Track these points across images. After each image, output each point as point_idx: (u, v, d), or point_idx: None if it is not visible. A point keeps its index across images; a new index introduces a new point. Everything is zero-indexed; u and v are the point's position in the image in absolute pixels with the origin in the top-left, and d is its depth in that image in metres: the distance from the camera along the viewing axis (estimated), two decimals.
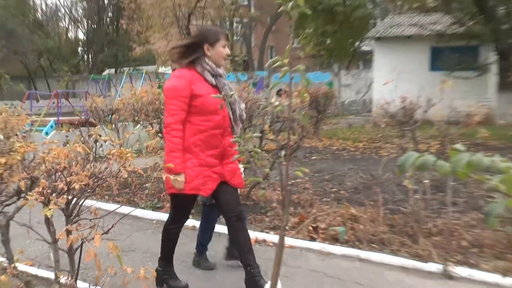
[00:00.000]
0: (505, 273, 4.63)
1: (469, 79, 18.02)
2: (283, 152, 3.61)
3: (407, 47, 21.06)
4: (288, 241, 5.44)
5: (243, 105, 4.22)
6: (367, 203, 6.50)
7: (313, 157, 11.84)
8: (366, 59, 33.30)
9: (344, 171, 9.71)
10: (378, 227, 5.71)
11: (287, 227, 3.15)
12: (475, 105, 17.48)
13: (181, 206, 4.25)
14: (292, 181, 7.97)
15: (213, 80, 4.00)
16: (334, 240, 5.62)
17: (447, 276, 4.71)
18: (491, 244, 5.25)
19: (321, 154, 12.39)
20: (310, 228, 5.89)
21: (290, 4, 2.48)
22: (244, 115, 4.23)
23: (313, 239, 5.69)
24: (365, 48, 31.91)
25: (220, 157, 4.06)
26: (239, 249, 4.18)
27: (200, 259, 4.89)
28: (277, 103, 2.82)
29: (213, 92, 3.91)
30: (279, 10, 2.63)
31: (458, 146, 1.81)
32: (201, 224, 4.85)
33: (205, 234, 4.85)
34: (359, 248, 5.39)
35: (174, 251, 4.35)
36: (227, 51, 4.07)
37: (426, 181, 5.88)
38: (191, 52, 4.03)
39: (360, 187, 8.03)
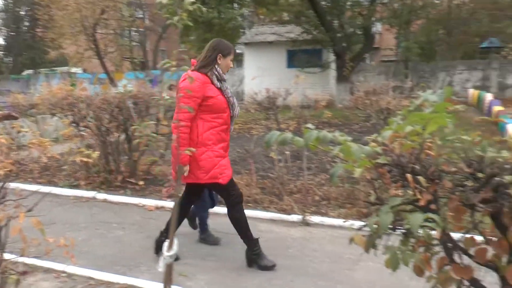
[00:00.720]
0: (345, 217, 4.87)
1: (315, 74, 18.82)
2: (174, 136, 3.52)
3: (269, 50, 21.45)
4: None
5: (238, 108, 3.95)
6: (243, 172, 6.55)
7: None
8: (238, 60, 33.58)
9: None
10: (252, 190, 5.77)
11: (179, 195, 3.07)
12: (320, 93, 18.29)
13: (197, 193, 3.99)
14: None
15: (218, 84, 3.75)
16: (219, 202, 5.60)
17: (305, 223, 4.87)
18: (335, 197, 5.50)
19: None
20: None
21: (176, 18, 2.47)
22: (238, 114, 3.97)
23: None
24: (237, 51, 32.17)
25: (225, 150, 3.86)
26: (241, 226, 3.89)
27: (206, 236, 4.49)
28: (167, 96, 2.78)
29: (220, 94, 3.71)
30: (167, 22, 2.54)
31: (309, 125, 1.83)
32: (197, 207, 4.39)
33: (203, 213, 4.47)
34: None
35: (248, 229, 3.91)
36: (231, 64, 3.85)
37: (287, 152, 6.03)
38: (208, 59, 3.73)
39: (237, 159, 8.07)
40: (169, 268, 2.63)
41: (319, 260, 3.99)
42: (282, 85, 13.90)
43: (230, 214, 3.88)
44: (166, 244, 2.64)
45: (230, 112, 3.81)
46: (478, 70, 21.92)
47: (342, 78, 18.25)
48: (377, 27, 27.98)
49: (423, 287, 1.96)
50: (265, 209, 5.34)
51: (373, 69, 22.84)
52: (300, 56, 19.63)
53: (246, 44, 22.44)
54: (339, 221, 4.80)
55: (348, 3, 18.20)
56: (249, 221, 3.93)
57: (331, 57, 19.27)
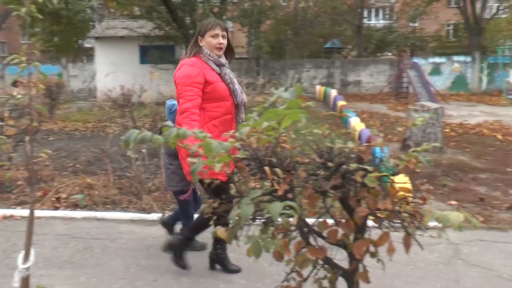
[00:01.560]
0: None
1: (169, 70, 18.64)
2: (27, 138, 3.20)
3: (121, 45, 20.65)
4: (35, 213, 4.91)
5: (244, 95, 3.47)
6: (99, 173, 6.25)
7: (51, 138, 10.89)
8: (89, 54, 31.80)
9: (78, 148, 9.17)
10: (110, 190, 5.54)
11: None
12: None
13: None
14: (34, 160, 7.21)
15: (217, 69, 3.32)
16: (75, 206, 5.28)
17: None
18: None
19: (57, 135, 11.47)
20: (53, 199, 5.42)
21: (23, 9, 2.26)
22: (246, 102, 3.48)
23: (56, 208, 5.25)
24: (87, 45, 30.48)
25: None
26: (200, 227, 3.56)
27: (192, 242, 3.87)
28: (18, 94, 2.53)
29: (220, 81, 3.30)
30: (13, 13, 2.31)
31: (169, 122, 1.81)
32: (182, 212, 3.91)
33: (188, 219, 3.85)
34: (96, 210, 5.16)
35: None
36: (218, 40, 3.33)
37: (144, 150, 5.90)
38: (193, 44, 3.38)
39: (92, 160, 7.67)
40: (25, 281, 2.40)
41: None
42: (137, 81, 13.52)
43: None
44: (20, 255, 2.40)
45: (233, 100, 3.39)
46: (323, 68, 23.79)
47: None
48: (229, 26, 28.72)
49: (282, 270, 2.07)
50: (124, 209, 5.16)
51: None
52: (153, 52, 19.29)
53: (96, 38, 21.33)
54: None
55: (200, 0, 18.35)
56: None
57: (184, 53, 19.29)
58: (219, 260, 3.67)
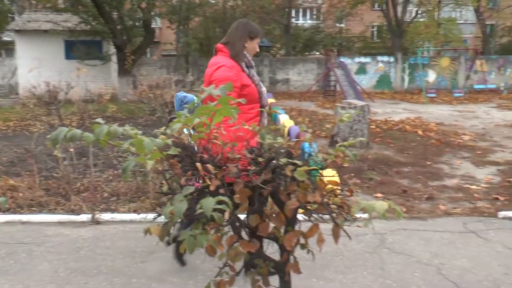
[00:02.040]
0: (137, 210, 4.85)
1: (97, 66, 18.06)
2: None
3: (45, 39, 19.63)
4: None
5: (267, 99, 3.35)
6: (23, 174, 5.94)
7: None
8: (8, 48, 29.99)
9: None
10: (36, 192, 5.28)
11: None
12: (104, 86, 17.64)
13: None
14: None
15: (247, 70, 3.23)
16: None
17: (96, 222, 4.68)
18: (125, 192, 5.42)
19: None
20: None
21: None
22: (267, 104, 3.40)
23: None
24: (6, 38, 28.71)
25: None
26: None
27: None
28: None
29: (251, 83, 3.24)
30: None
31: (99, 120, 1.77)
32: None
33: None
34: (21, 213, 4.91)
35: None
36: (257, 47, 3.35)
37: (71, 149, 5.69)
38: (240, 43, 3.26)
39: (15, 160, 7.26)
40: None
41: (112, 257, 3.89)
42: (62, 77, 12.94)
43: None
44: None
45: (260, 102, 3.33)
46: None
47: (124, 71, 17.91)
48: (157, 22, 28.22)
49: (214, 266, 2.10)
50: (52, 211, 4.95)
51: (154, 63, 22.96)
52: (79, 47, 18.54)
53: (17, 31, 20.13)
54: (129, 216, 4.75)
55: None
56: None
57: (112, 49, 18.72)
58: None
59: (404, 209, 5.05)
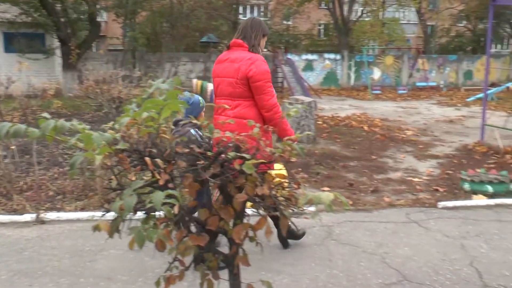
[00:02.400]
0: (83, 208, 4.74)
1: (40, 60, 17.35)
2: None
3: None
4: None
5: None
6: None
7: None
8: None
9: None
10: None
11: None
12: (48, 81, 16.98)
13: None
14: None
15: None
16: None
17: (40, 221, 4.53)
18: (71, 190, 5.28)
19: None
20: None
21: None
22: None
23: None
24: None
25: None
26: None
27: None
28: None
29: None
30: None
31: (45, 114, 1.73)
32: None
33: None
34: None
35: None
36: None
37: (13, 147, 5.47)
38: (258, 41, 3.48)
39: None
40: None
41: (58, 257, 3.78)
42: (1, 72, 12.37)
43: None
44: None
45: None
46: (199, 62, 23.76)
47: (68, 66, 17.31)
48: (103, 16, 27.46)
49: (163, 263, 2.10)
50: None
51: (100, 58, 22.31)
52: (20, 40, 17.72)
53: None
54: (76, 214, 4.63)
55: None
56: None
57: (56, 43, 18.05)
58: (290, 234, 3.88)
59: (351, 202, 5.21)
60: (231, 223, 2.11)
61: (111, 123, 1.94)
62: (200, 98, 3.86)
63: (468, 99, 18.49)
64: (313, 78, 24.05)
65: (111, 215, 1.84)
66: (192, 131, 3.41)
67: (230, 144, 2.03)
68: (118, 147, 1.81)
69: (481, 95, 16.05)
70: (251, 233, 2.16)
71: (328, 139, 9.35)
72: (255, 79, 3.30)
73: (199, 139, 3.28)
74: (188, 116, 3.00)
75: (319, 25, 35.04)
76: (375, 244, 4.02)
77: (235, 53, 3.41)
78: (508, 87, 19.92)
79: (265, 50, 26.76)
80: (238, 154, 1.97)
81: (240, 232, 2.00)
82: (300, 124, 8.63)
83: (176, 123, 3.32)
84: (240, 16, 29.77)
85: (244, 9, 34.31)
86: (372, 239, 4.12)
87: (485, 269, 3.55)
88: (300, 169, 6.68)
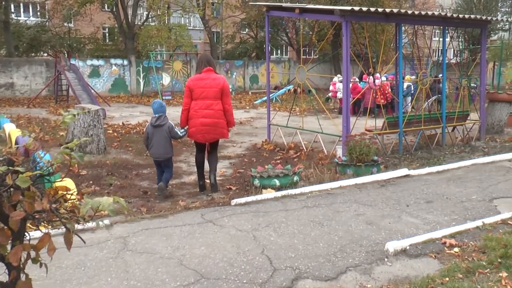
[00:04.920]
0: None
1: None
2: None
3: None
4: None
5: None
6: None
7: None
8: None
9: None
10: None
11: None
12: None
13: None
14: None
15: None
16: None
17: None
18: None
19: None
20: None
21: None
22: None
23: None
24: None
25: None
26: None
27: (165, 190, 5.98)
28: None
29: None
30: None
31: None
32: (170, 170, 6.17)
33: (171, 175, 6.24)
34: None
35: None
36: None
37: None
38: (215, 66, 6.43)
39: None
40: None
41: None
42: None
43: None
44: None
45: None
46: None
47: None
48: None
49: None
50: None
51: None
52: None
53: None
54: None
55: None
56: None
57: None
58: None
59: (145, 210, 5.25)
60: (8, 246, 1.95)
61: None
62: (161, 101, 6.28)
63: (255, 102, 20.23)
64: (100, 85, 23.30)
65: None
66: (170, 121, 6.10)
67: (0, 158, 1.89)
68: None
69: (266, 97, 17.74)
70: (33, 254, 2.03)
71: (120, 148, 9.21)
72: (226, 90, 6.11)
73: (175, 128, 6.07)
74: (160, 113, 6.02)
75: (104, 28, 34.01)
76: (171, 248, 4.13)
77: (213, 74, 6.07)
78: (289, 90, 22.44)
79: (45, 55, 24.72)
80: (11, 168, 1.84)
81: (17, 254, 1.87)
82: (89, 135, 8.30)
83: (158, 118, 5.98)
84: (13, 16, 27.04)
85: (17, 7, 31.26)
86: (168, 244, 4.23)
87: (274, 254, 3.97)
88: (91, 181, 6.45)
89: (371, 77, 9.38)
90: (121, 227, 4.61)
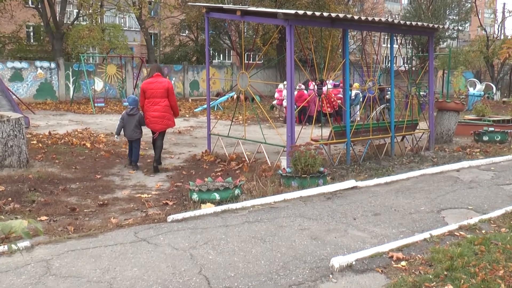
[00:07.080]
0: None
1: None
2: None
3: None
4: None
5: None
6: None
7: None
8: None
9: None
10: None
11: None
12: None
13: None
14: None
15: None
16: None
17: None
18: None
19: None
20: None
21: None
22: None
23: None
24: None
25: None
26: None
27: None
28: None
29: None
30: None
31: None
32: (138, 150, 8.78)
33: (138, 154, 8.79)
34: None
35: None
36: None
37: None
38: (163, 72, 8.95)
39: None
40: None
41: None
42: None
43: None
44: None
45: None
46: None
47: None
48: None
49: None
50: None
51: None
52: None
53: None
54: None
55: None
56: None
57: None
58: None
59: (72, 229, 5.11)
60: None
61: None
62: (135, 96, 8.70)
63: (195, 110, 20.17)
64: (23, 90, 22.52)
65: None
66: (141, 112, 8.49)
67: None
68: None
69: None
70: None
71: (45, 160, 8.91)
72: (171, 91, 8.45)
73: (143, 118, 8.53)
74: (133, 105, 8.56)
75: (28, 27, 32.86)
76: (100, 271, 4.04)
77: (160, 77, 8.39)
78: (231, 97, 22.52)
79: None
80: None
81: None
82: (8, 146, 7.97)
83: (132, 109, 8.45)
84: None
85: None
86: (97, 266, 4.13)
87: (213, 274, 3.97)
88: (10, 199, 6.20)
89: (313, 84, 9.58)
90: (43, 249, 4.46)
